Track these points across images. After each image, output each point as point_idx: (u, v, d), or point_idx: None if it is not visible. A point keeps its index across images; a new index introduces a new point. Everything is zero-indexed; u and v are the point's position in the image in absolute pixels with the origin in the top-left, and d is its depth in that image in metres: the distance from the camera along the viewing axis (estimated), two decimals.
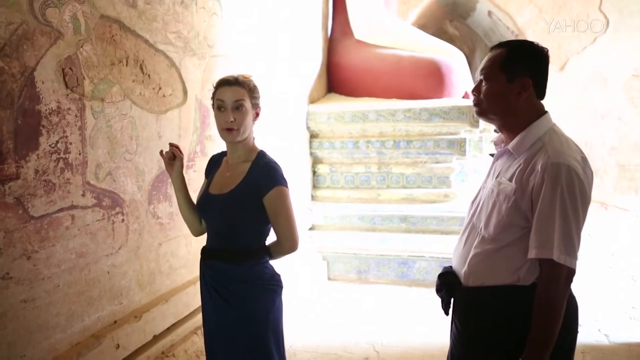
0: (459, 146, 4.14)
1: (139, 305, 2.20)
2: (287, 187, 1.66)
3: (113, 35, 1.98)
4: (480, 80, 1.44)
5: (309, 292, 3.78)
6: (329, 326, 3.30)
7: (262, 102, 1.73)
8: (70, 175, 1.80)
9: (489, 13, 7.07)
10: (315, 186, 4.48)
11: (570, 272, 1.27)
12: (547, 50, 1.41)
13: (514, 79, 1.37)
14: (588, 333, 3.11)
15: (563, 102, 6.54)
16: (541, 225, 1.29)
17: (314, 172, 4.48)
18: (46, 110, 1.69)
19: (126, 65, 2.06)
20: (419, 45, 4.67)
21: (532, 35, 6.58)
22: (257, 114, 1.70)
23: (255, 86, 1.69)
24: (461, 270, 1.47)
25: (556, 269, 1.27)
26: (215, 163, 1.81)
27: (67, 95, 1.77)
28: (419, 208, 4.20)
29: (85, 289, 1.89)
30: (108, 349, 1.95)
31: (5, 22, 1.52)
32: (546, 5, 6.48)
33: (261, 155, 1.70)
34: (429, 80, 4.31)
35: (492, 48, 1.44)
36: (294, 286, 3.40)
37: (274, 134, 3.53)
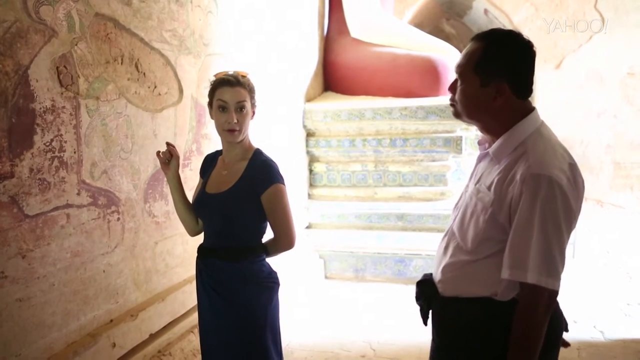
0: (455, 144, 4.15)
1: (135, 304, 2.20)
2: (284, 184, 1.66)
3: (108, 34, 1.97)
4: (456, 79, 1.31)
5: (306, 291, 3.78)
6: (325, 324, 3.31)
7: (258, 100, 1.73)
8: (66, 173, 1.80)
9: (485, 11, 7.08)
10: (311, 184, 4.48)
11: (552, 294, 1.15)
12: (532, 44, 1.25)
13: (489, 83, 1.23)
14: (583, 329, 3.13)
15: (559, 101, 6.56)
16: (517, 243, 1.16)
17: (311, 171, 4.48)
18: (41, 108, 1.68)
19: (121, 63, 2.06)
20: (415, 43, 4.67)
21: (528, 33, 6.57)
22: (253, 113, 1.72)
23: (253, 86, 1.70)
24: (437, 278, 1.37)
25: (537, 292, 1.14)
26: (210, 162, 1.81)
27: (62, 93, 1.77)
28: (415, 206, 4.21)
29: (81, 287, 1.89)
30: (104, 348, 1.94)
31: None
32: (542, 3, 6.50)
33: (258, 153, 1.70)
34: (425, 78, 4.31)
35: (471, 39, 1.28)
36: (290, 284, 3.40)
37: (271, 132, 3.53)
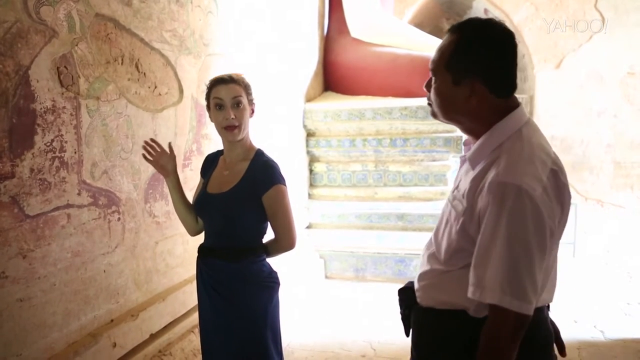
0: (455, 144, 4.15)
1: (135, 304, 2.20)
2: (285, 185, 1.67)
3: (108, 34, 1.97)
4: (431, 76, 1.20)
5: (306, 291, 3.78)
6: (326, 324, 3.31)
7: (259, 100, 1.73)
8: (66, 174, 1.80)
9: (485, 11, 7.08)
10: (312, 184, 4.49)
11: (521, 318, 0.99)
12: (511, 35, 1.12)
13: (461, 81, 1.11)
14: (584, 329, 3.13)
15: (559, 100, 6.56)
16: (480, 259, 1.04)
17: (311, 171, 4.48)
18: (41, 108, 1.68)
19: (121, 63, 2.06)
20: (415, 43, 4.67)
21: (528, 33, 6.60)
22: (252, 111, 1.72)
23: (249, 83, 1.70)
24: (416, 286, 1.27)
25: (500, 314, 1.00)
26: (211, 162, 1.81)
27: (62, 93, 1.77)
28: (415, 206, 4.21)
29: (81, 287, 1.89)
30: (105, 348, 1.94)
31: (0, 21, 1.51)
32: (542, 3, 6.50)
33: (259, 153, 1.71)
34: (425, 77, 4.27)
35: (447, 31, 1.16)
36: (291, 284, 3.40)
37: (271, 132, 3.53)
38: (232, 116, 1.62)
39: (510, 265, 0.99)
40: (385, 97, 4.42)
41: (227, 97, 1.63)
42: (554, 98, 6.56)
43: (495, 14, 6.88)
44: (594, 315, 3.34)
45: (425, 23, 7.51)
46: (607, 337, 3.03)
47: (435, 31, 7.82)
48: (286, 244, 1.70)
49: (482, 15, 7.32)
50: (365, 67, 4.59)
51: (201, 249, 1.74)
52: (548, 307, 1.21)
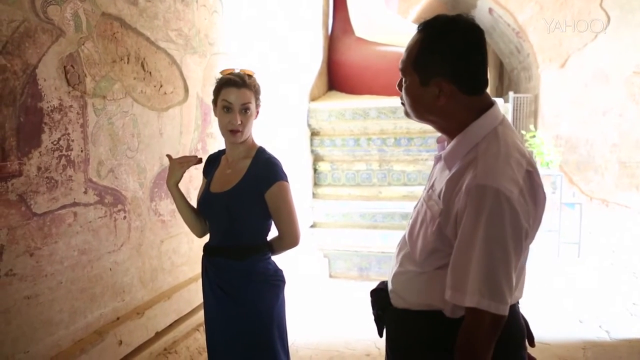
0: None
1: (141, 302, 2.21)
2: (288, 182, 1.67)
3: (114, 33, 1.98)
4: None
5: (311, 290, 3.78)
6: (330, 323, 3.31)
7: (263, 99, 1.74)
8: (73, 172, 1.81)
9: (490, 10, 7.06)
10: (316, 184, 4.49)
11: (496, 319, 1.00)
12: (476, 28, 1.09)
13: (428, 82, 1.09)
14: (589, 329, 3.12)
15: (564, 100, 6.54)
16: (458, 262, 1.03)
17: (315, 170, 4.49)
18: (48, 107, 1.69)
19: (127, 62, 2.07)
20: None
21: (533, 32, 6.58)
22: (257, 113, 1.72)
23: (259, 87, 1.71)
24: (389, 287, 1.26)
25: (477, 316, 1.01)
26: (213, 162, 1.82)
27: (69, 92, 1.78)
28: None
29: (87, 285, 1.90)
30: (111, 346, 1.95)
31: (7, 20, 1.52)
32: (547, 2, 6.48)
33: (261, 151, 1.71)
34: None
35: (417, 29, 1.14)
36: (295, 283, 3.41)
37: (275, 131, 3.53)
38: (239, 122, 1.63)
39: (488, 268, 0.99)
40: (389, 97, 4.41)
41: (236, 102, 1.63)
42: (558, 97, 6.53)
43: (499, 13, 6.86)
44: (599, 315, 3.33)
45: None
46: (612, 337, 3.02)
47: None
48: (290, 240, 1.70)
49: (487, 15, 7.31)
50: (369, 67, 4.59)
51: (206, 247, 1.75)
52: (518, 302, 1.22)
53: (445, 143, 1.19)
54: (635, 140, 6.34)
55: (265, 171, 1.64)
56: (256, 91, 1.68)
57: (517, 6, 6.55)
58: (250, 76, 1.69)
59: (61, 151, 1.75)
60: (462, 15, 1.11)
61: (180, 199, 1.80)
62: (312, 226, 4.39)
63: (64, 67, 1.75)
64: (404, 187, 4.29)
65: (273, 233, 1.75)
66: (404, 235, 1.25)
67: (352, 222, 4.36)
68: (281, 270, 1.74)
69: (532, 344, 1.27)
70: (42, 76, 1.66)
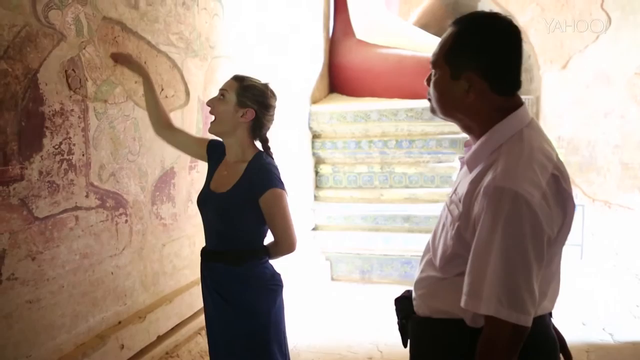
0: (461, 145, 4.13)
1: (143, 305, 2.21)
2: (283, 189, 1.65)
3: (115, 37, 1.98)
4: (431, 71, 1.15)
5: (312, 293, 3.78)
6: (332, 326, 3.30)
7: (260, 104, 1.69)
8: (74, 176, 1.81)
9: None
10: (317, 186, 4.49)
11: (519, 330, 0.95)
12: (516, 30, 1.06)
13: (459, 76, 1.06)
14: (592, 332, 3.10)
15: (565, 101, 6.52)
16: (473, 267, 0.99)
17: (317, 173, 4.49)
18: (50, 111, 1.69)
19: None
20: (420, 44, 4.66)
21: (534, 34, 6.57)
22: (247, 114, 1.66)
23: (250, 86, 1.68)
24: (413, 295, 1.23)
25: (496, 326, 0.96)
26: (217, 148, 1.80)
27: (70, 96, 1.78)
28: (421, 208, 4.20)
29: (89, 289, 1.90)
30: (112, 350, 1.95)
31: (9, 25, 1.53)
32: (548, 3, 6.47)
33: (257, 156, 1.69)
34: None
35: (450, 24, 1.12)
36: (297, 287, 3.40)
37: (276, 134, 3.53)
38: (211, 104, 1.68)
39: (507, 275, 0.95)
40: (390, 99, 4.42)
41: (220, 87, 1.69)
42: (560, 99, 6.52)
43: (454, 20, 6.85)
44: (602, 318, 3.31)
45: (430, 24, 7.50)
46: (616, 340, 3.00)
47: (440, 32, 7.81)
48: (285, 247, 1.69)
49: None
50: (370, 69, 4.59)
51: (203, 252, 1.75)
52: (550, 314, 1.17)
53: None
54: (638, 141, 6.32)
55: (258, 178, 1.63)
56: (242, 86, 1.66)
57: (517, 8, 6.55)
58: (249, 77, 1.69)
59: (63, 155, 1.76)
60: (499, 13, 1.08)
61: (149, 86, 1.92)
62: (313, 229, 4.39)
63: (65, 71, 1.75)
64: (406, 189, 4.29)
65: (270, 237, 1.74)
66: (428, 242, 1.21)
67: (354, 224, 4.35)
68: (279, 274, 1.73)
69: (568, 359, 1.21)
70: (44, 80, 1.67)
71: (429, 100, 1.16)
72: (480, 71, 1.05)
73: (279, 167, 1.71)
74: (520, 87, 1.09)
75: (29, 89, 1.61)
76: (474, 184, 1.03)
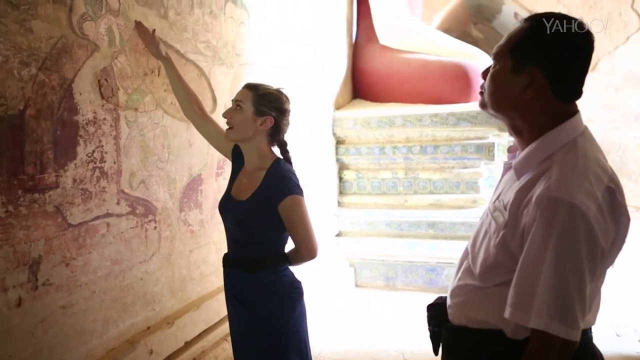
0: (487, 151, 4.07)
1: (171, 311, 2.23)
2: (301, 195, 1.64)
3: (145, 47, 2.02)
4: (491, 64, 1.11)
5: (337, 299, 3.76)
6: (357, 333, 3.28)
7: (278, 112, 1.69)
8: (106, 183, 1.85)
9: (515, 15, 6.95)
10: (341, 192, 4.47)
11: (568, 345, 0.92)
12: (588, 36, 1.01)
13: (522, 70, 1.02)
14: (627, 343, 3.00)
15: (595, 104, 6.36)
16: (523, 278, 0.96)
17: (341, 178, 4.47)
18: (83, 120, 1.73)
19: (158, 75, 2.11)
20: (444, 49, 4.62)
21: None
22: (266, 122, 1.66)
23: (266, 94, 1.67)
24: (448, 302, 1.20)
25: (545, 340, 0.93)
26: (241, 153, 1.80)
27: (103, 105, 1.82)
28: (447, 214, 4.14)
29: (120, 295, 1.93)
30: (142, 355, 1.97)
31: (47, 37, 1.57)
32: (575, 4, 6.34)
33: (276, 163, 1.69)
34: (455, 84, 4.26)
35: (523, 20, 1.10)
36: (321, 293, 3.39)
37: (300, 140, 3.54)
38: (228, 115, 1.69)
39: (560, 289, 0.92)
40: (415, 104, 4.38)
41: (234, 99, 1.70)
42: (589, 102, 6.36)
43: (525, 17, 6.74)
44: (637, 328, 3.20)
45: (453, 28, 7.43)
46: None
47: (463, 36, 7.72)
48: (306, 253, 1.68)
49: (512, 19, 7.20)
50: (394, 74, 4.57)
51: (224, 258, 1.76)
52: (590, 329, 1.14)
53: (518, 152, 1.11)
54: None
55: (277, 185, 1.62)
56: (258, 95, 1.66)
57: (543, 9, 6.43)
58: (263, 85, 1.70)
59: (95, 163, 1.79)
60: (573, 17, 1.04)
61: (171, 72, 1.95)
62: (337, 235, 4.37)
63: (98, 80, 1.79)
64: (430, 195, 4.24)
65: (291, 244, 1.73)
66: (467, 247, 1.19)
67: (378, 230, 4.32)
68: (299, 282, 1.72)
69: None
70: (78, 90, 1.71)
71: (481, 93, 1.13)
72: (544, 68, 1.01)
73: (297, 173, 1.71)
74: (580, 96, 1.05)
75: (64, 98, 1.65)
76: (523, 192, 1.00)
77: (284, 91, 1.74)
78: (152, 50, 1.95)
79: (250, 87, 1.69)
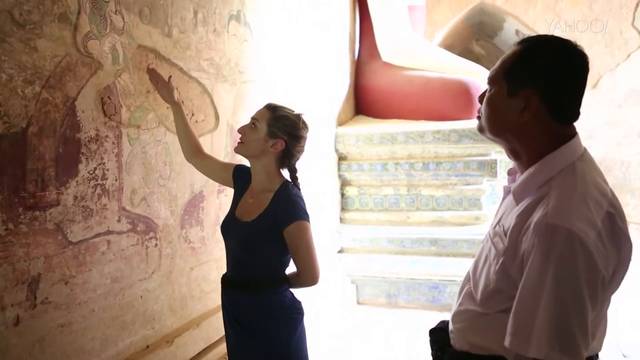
0: (489, 167, 4.06)
1: (170, 329, 2.20)
2: (308, 221, 1.63)
3: (149, 64, 2.03)
4: (487, 88, 1.11)
5: (338, 316, 3.72)
6: (359, 351, 3.23)
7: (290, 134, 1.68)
8: (107, 201, 1.84)
9: (517, 32, 7.01)
10: (343, 208, 4.46)
11: None
12: (582, 57, 1.02)
13: (517, 93, 1.02)
14: None
15: (597, 121, 6.37)
16: (522, 307, 0.95)
17: (343, 195, 4.47)
18: (85, 138, 1.74)
19: None
20: (446, 66, 4.65)
21: None
22: (277, 144, 1.66)
23: (282, 116, 1.67)
24: (450, 327, 1.19)
25: None
26: (242, 173, 1.81)
27: (105, 123, 1.82)
28: (449, 231, 4.12)
29: (119, 313, 1.91)
30: None
31: (51, 55, 1.58)
32: (576, 22, 6.39)
33: (284, 186, 1.68)
34: (457, 101, 4.27)
35: (516, 43, 1.09)
36: (322, 310, 3.35)
37: (302, 156, 3.54)
38: (242, 131, 1.70)
39: (559, 317, 0.90)
40: (417, 121, 4.39)
41: (252, 116, 1.71)
42: (591, 119, 6.37)
43: (526, 34, 6.80)
44: None
45: (455, 45, 7.48)
46: None
47: (465, 53, 7.78)
48: (308, 279, 1.66)
49: (513, 37, 7.25)
50: (396, 91, 4.59)
51: (223, 279, 1.74)
52: (597, 355, 1.12)
53: (517, 175, 1.10)
54: None
55: (284, 209, 1.61)
56: (274, 116, 1.66)
57: (544, 27, 6.48)
58: (283, 107, 1.70)
59: (97, 180, 1.79)
60: (569, 40, 1.05)
61: (179, 117, 1.94)
62: (339, 251, 4.34)
63: (102, 98, 1.80)
64: (433, 212, 4.22)
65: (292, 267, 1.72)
66: (468, 272, 1.18)
67: (380, 247, 4.29)
68: (299, 302, 1.71)
69: None
70: (81, 108, 1.71)
71: (478, 118, 1.13)
72: (540, 91, 1.01)
73: (304, 198, 1.70)
74: (578, 117, 1.05)
75: (67, 116, 1.66)
76: (522, 217, 0.99)
77: (304, 117, 1.72)
78: (165, 95, 1.94)
79: (270, 108, 1.69)
